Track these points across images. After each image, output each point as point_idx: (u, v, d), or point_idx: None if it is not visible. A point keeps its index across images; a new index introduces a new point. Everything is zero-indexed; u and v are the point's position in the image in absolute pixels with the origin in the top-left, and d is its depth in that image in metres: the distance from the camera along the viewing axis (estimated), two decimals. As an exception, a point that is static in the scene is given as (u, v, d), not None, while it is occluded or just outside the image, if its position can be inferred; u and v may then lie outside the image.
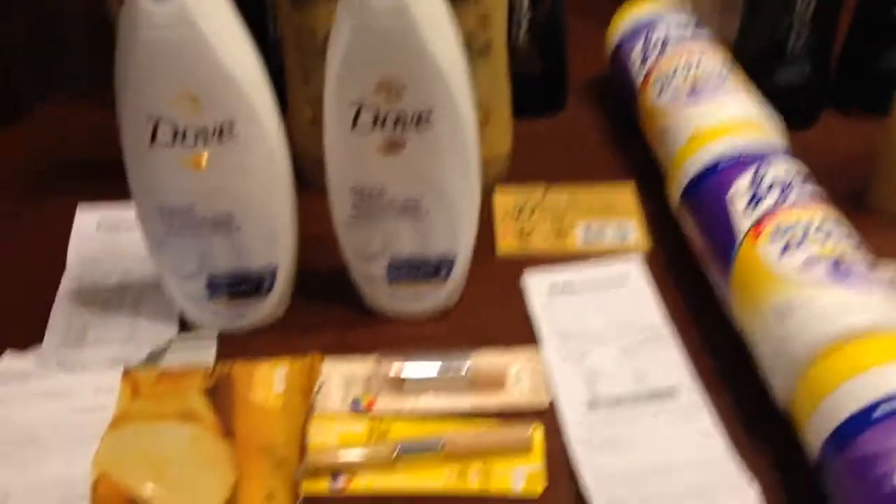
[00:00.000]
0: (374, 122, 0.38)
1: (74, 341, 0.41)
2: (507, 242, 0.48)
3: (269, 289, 0.41)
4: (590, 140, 0.60)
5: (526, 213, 0.51)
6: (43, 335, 0.42)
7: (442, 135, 0.38)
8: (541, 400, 0.38)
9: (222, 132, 0.36)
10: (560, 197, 0.52)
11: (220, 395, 0.36)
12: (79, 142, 0.59)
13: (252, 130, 0.37)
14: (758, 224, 0.39)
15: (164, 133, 0.36)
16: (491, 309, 0.44)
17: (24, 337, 0.42)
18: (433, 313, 0.44)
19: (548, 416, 0.37)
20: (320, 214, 0.41)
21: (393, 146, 0.38)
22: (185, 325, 0.42)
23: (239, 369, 0.37)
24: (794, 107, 0.54)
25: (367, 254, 0.42)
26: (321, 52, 0.38)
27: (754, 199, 0.41)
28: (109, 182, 0.55)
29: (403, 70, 0.36)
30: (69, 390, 0.38)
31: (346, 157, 0.39)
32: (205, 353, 0.41)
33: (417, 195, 0.40)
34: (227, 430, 0.34)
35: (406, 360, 0.39)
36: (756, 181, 0.42)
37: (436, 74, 0.37)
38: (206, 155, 0.37)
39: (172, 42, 0.34)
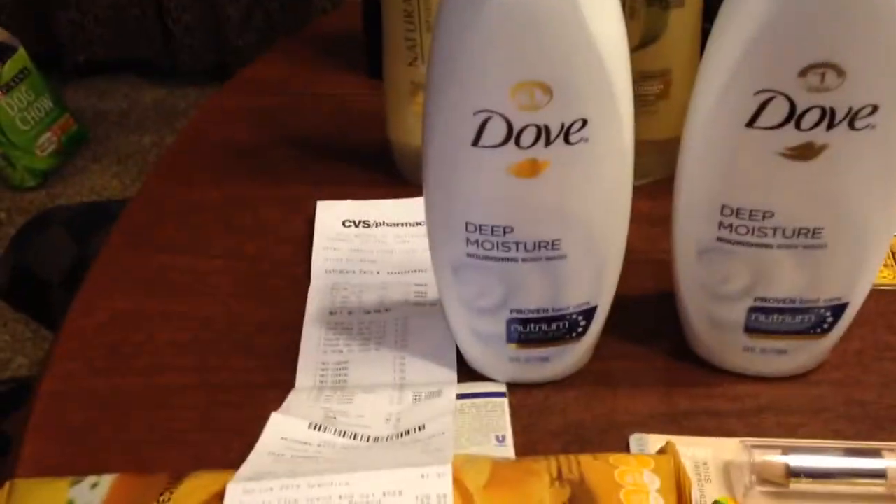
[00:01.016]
0: (789, 117, 0.26)
1: (333, 386, 0.32)
2: (880, 271, 0.36)
3: (583, 332, 0.31)
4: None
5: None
6: (285, 356, 0.33)
7: (882, 140, 0.26)
8: None
9: (569, 133, 0.25)
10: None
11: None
12: (286, 115, 0.51)
13: (607, 133, 0.26)
14: None
15: (496, 131, 0.25)
16: (871, 371, 0.32)
17: (267, 358, 0.33)
18: (794, 374, 0.32)
19: None
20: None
21: (805, 151, 0.26)
22: (461, 367, 0.33)
23: (593, 469, 0.26)
24: None
25: (722, 293, 0.30)
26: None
27: None
28: (338, 168, 0.46)
29: (852, 52, 0.24)
30: (376, 490, 0.25)
31: (727, 161, 0.28)
32: (495, 413, 0.31)
33: (818, 219, 0.28)
34: None
35: (785, 450, 0.28)
36: None
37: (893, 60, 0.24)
38: (544, 161, 0.26)
39: (536, 7, 0.23)
